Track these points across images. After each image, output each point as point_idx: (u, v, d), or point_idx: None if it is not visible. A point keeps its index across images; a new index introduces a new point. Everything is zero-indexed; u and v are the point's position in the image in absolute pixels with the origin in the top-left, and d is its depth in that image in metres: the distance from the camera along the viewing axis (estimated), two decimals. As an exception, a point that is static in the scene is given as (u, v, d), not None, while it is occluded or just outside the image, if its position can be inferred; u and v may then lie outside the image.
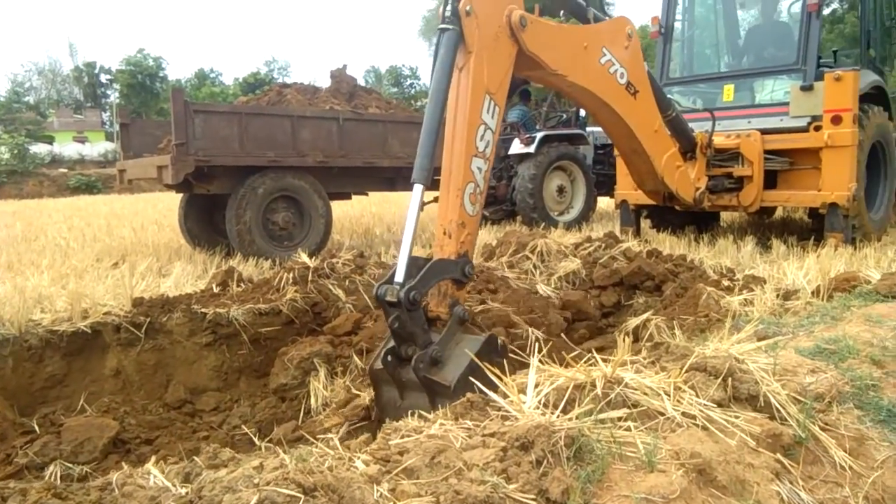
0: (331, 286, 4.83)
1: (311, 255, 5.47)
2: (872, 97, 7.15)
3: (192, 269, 6.48)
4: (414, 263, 2.98)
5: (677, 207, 6.91)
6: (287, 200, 7.64)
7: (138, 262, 6.38)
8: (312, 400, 3.88)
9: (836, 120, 6.42)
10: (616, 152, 8.07)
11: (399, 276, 2.89)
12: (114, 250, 8.11)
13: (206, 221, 8.42)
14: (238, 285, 5.00)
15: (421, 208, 3.10)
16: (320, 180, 7.83)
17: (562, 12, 5.55)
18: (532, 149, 10.35)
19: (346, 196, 9.06)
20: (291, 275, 4.81)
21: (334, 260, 5.18)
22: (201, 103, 10.15)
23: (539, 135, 10.60)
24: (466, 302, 3.56)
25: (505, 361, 2.64)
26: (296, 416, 3.85)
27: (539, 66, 3.84)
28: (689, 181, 5.95)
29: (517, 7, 3.50)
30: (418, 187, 3.06)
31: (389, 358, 2.96)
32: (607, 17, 4.66)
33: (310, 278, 4.81)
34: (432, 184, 3.28)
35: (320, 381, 3.92)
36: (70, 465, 2.87)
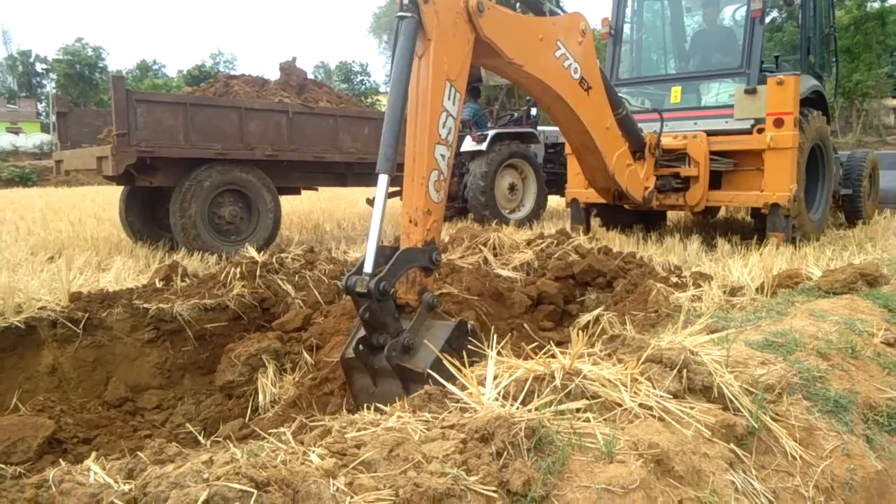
0: (280, 281, 4.72)
1: (259, 250, 5.34)
2: (812, 102, 7.40)
3: (133, 263, 6.25)
4: (381, 253, 2.97)
5: (626, 206, 7.02)
6: (234, 194, 7.46)
7: (76, 257, 6.12)
8: (260, 397, 3.79)
9: (779, 123, 6.61)
10: (567, 151, 8.18)
11: (368, 267, 2.88)
12: (49, 244, 7.77)
13: (148, 215, 8.16)
14: (182, 280, 4.84)
15: (386, 198, 3.07)
16: (269, 174, 7.67)
17: (518, 4, 5.57)
18: (484, 146, 10.38)
19: (296, 191, 8.90)
20: (239, 270, 4.68)
21: (283, 255, 5.07)
22: (144, 92, 9.83)
23: (491, 133, 10.64)
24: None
25: (465, 353, 2.65)
26: (243, 414, 3.75)
27: (496, 55, 3.85)
28: (638, 180, 6.05)
29: None
30: (383, 178, 3.04)
31: (361, 347, 2.98)
32: (562, 13, 4.69)
33: (258, 273, 4.70)
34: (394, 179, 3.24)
35: (269, 378, 3.83)
36: (2, 467, 2.71)
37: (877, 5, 39.37)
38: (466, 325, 3.04)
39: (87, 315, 3.96)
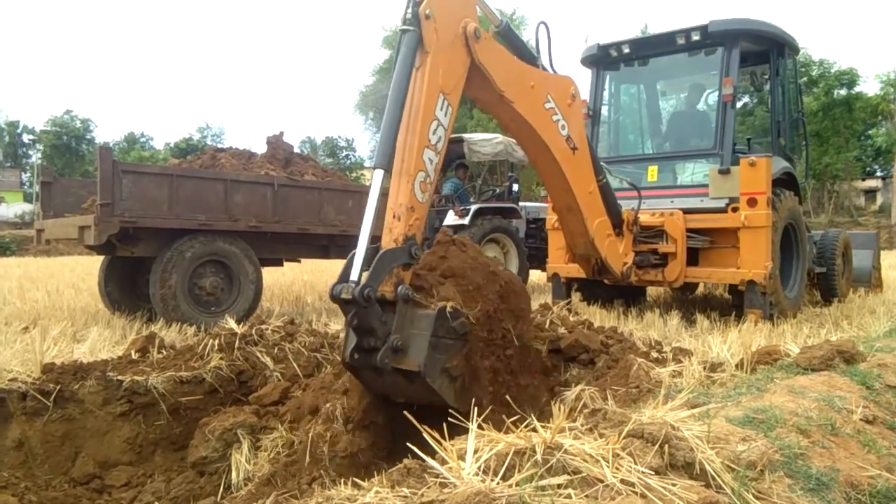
0: (259, 353, 4.66)
1: (239, 322, 5.29)
2: (784, 182, 7.65)
3: (109, 334, 6.16)
4: (367, 258, 3.11)
5: (606, 281, 7.08)
6: (216, 265, 7.45)
7: (51, 327, 6.00)
8: (234, 474, 3.68)
9: (752, 202, 6.80)
10: (548, 226, 8.32)
11: (354, 275, 3.01)
12: (25, 314, 7.64)
13: (127, 285, 8.09)
14: (159, 352, 4.76)
15: (380, 196, 3.24)
16: (252, 245, 7.69)
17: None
18: (466, 221, 10.52)
19: (279, 262, 8.91)
20: (217, 341, 4.62)
21: (263, 326, 5.02)
22: (130, 163, 9.89)
23: (473, 207, 10.80)
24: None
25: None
26: (215, 492, 3.63)
27: (488, 85, 4.06)
28: (617, 253, 6.14)
29: (473, 21, 3.81)
30: (379, 172, 3.25)
31: (356, 355, 3.11)
32: (554, 72, 4.89)
33: (237, 345, 4.64)
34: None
35: (243, 454, 3.73)
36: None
37: (843, 92, 41.21)
38: (446, 312, 3.12)
39: (58, 387, 3.86)
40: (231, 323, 4.99)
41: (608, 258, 5.98)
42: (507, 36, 4.44)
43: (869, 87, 41.87)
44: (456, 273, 3.49)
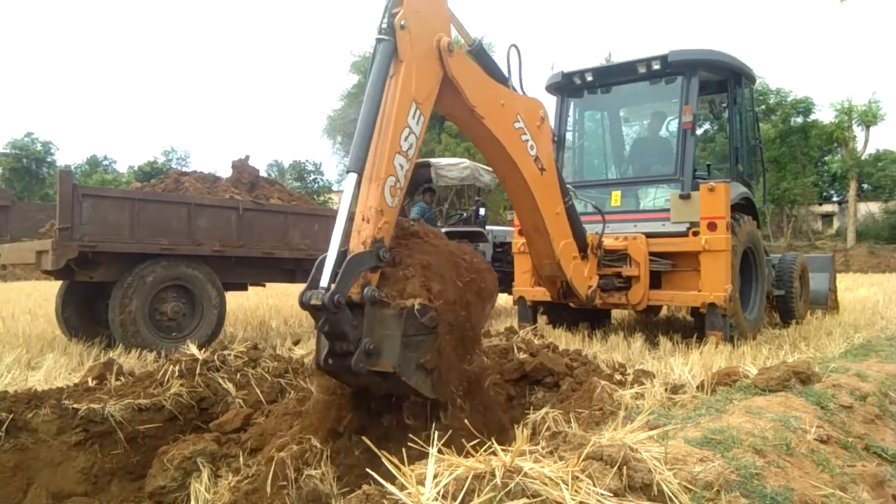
0: (220, 379, 4.59)
1: (201, 347, 5.21)
2: (743, 207, 7.84)
3: (66, 361, 6.01)
4: (337, 263, 3.12)
5: (572, 304, 7.15)
6: (178, 290, 7.33)
7: (5, 354, 5.84)
8: None
9: (712, 226, 6.96)
10: (514, 250, 8.39)
11: (324, 281, 3.03)
12: (-23, 341, 7.40)
13: (86, 311, 7.91)
14: (117, 379, 4.66)
15: (354, 200, 3.31)
16: (216, 270, 7.59)
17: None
18: (433, 245, 10.52)
19: (243, 287, 8.80)
20: (178, 367, 4.54)
21: (226, 352, 4.95)
22: (91, 187, 9.75)
23: (440, 231, 10.82)
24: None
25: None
26: (173, 523, 3.53)
27: (460, 98, 4.14)
28: (583, 276, 6.22)
29: (447, 36, 3.91)
30: (352, 176, 3.30)
31: (331, 360, 3.12)
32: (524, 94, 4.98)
33: (198, 371, 4.56)
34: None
35: (202, 483, 3.64)
36: None
37: (800, 120, 42.54)
38: (414, 310, 3.11)
39: (10, 416, 3.75)
40: (193, 348, 4.91)
41: (573, 280, 6.05)
42: (480, 55, 4.53)
43: (824, 115, 43.10)
44: (422, 264, 3.49)
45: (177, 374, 4.47)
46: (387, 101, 3.55)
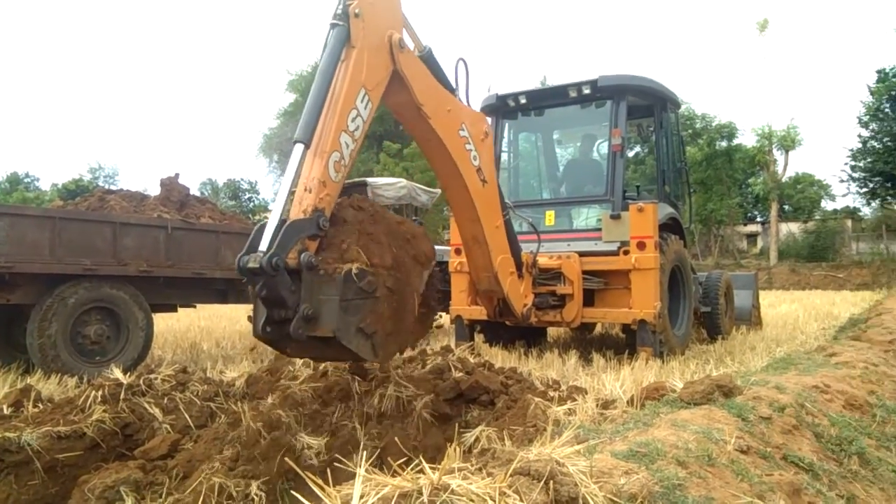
0: (146, 405, 4.44)
1: (126, 371, 5.02)
2: (670, 227, 8.12)
3: (-21, 388, 5.66)
4: (276, 230, 3.12)
5: (508, 322, 7.23)
6: (102, 312, 7.06)
7: None
8: (115, 535, 3.44)
9: (641, 245, 7.18)
10: (451, 269, 8.43)
11: (263, 245, 3.03)
12: None
13: (2, 335, 7.50)
14: (35, 405, 4.45)
15: (299, 170, 3.34)
16: (143, 291, 7.35)
17: None
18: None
19: (173, 308, 8.53)
20: (100, 393, 4.37)
21: (152, 376, 4.79)
22: (8, 205, 9.31)
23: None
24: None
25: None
26: (93, 556, 3.37)
27: (408, 94, 4.26)
28: (519, 292, 6.31)
29: (398, 33, 4.06)
30: (299, 147, 3.37)
31: (269, 328, 3.10)
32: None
33: (122, 396, 4.40)
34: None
35: (126, 513, 3.49)
36: None
37: (724, 144, 44.38)
38: (352, 274, 3.12)
39: (-87, 448, 3.52)
40: (117, 373, 4.74)
41: (510, 296, 6.13)
42: (429, 62, 4.62)
43: (747, 139, 45.12)
44: (360, 230, 3.52)
45: (99, 399, 4.30)
46: (337, 82, 3.67)
